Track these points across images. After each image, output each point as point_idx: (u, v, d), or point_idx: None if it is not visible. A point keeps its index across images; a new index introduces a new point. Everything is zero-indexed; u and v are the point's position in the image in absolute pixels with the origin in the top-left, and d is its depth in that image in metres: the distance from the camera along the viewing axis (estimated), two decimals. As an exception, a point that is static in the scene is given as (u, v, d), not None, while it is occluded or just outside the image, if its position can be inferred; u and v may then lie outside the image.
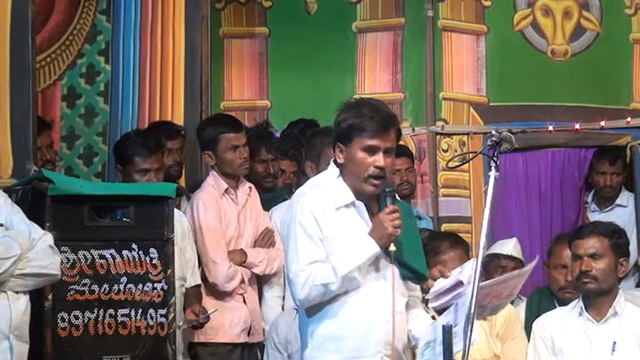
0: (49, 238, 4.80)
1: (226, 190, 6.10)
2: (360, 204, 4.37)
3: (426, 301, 4.56)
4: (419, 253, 4.44)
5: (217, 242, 6.00)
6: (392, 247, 4.27)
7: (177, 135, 6.53)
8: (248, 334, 6.05)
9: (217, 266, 5.97)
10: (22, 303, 4.69)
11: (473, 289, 4.05)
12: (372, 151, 4.31)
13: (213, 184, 6.12)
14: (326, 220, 4.29)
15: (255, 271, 6.06)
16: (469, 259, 5.19)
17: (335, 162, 4.41)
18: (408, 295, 4.42)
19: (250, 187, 6.21)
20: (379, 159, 4.30)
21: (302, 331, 4.43)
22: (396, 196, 4.43)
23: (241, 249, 6.08)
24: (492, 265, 6.59)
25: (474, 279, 4.11)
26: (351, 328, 4.29)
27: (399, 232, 4.28)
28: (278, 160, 6.55)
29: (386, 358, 4.30)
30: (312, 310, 4.33)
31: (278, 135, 7.06)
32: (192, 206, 6.05)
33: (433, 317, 4.76)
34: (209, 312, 5.70)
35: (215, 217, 6.02)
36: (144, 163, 5.84)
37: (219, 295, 6.01)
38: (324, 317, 4.31)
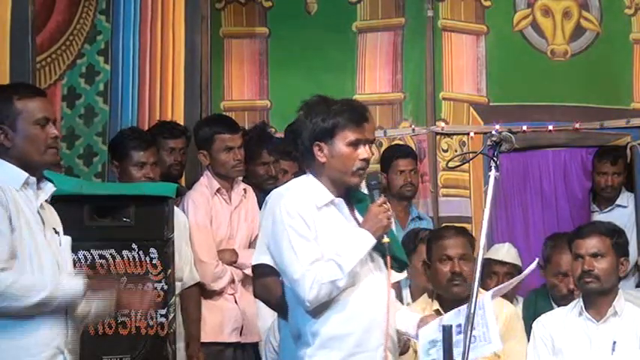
0: None
1: (218, 190, 6.09)
2: (340, 200, 4.40)
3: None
4: (398, 241, 4.51)
5: (205, 241, 5.99)
6: (385, 239, 4.32)
7: (181, 134, 6.52)
8: (240, 334, 6.04)
9: (204, 265, 5.96)
10: None
11: (473, 290, 4.06)
12: (356, 144, 4.35)
13: (206, 183, 6.13)
14: (312, 220, 4.30)
15: (247, 272, 5.91)
16: (473, 250, 5.23)
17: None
18: None
19: (245, 189, 6.20)
20: (363, 152, 4.36)
21: (300, 330, 4.38)
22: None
23: (232, 249, 6.07)
24: (485, 271, 6.58)
25: (475, 279, 4.11)
26: (353, 324, 4.29)
27: (392, 224, 4.35)
28: (279, 161, 6.54)
29: (385, 350, 4.31)
30: (315, 309, 4.31)
31: (277, 135, 7.05)
32: (183, 205, 6.04)
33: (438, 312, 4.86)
34: None
35: (205, 216, 6.02)
36: (140, 157, 5.84)
37: (209, 294, 6.01)
38: (328, 316, 4.30)
